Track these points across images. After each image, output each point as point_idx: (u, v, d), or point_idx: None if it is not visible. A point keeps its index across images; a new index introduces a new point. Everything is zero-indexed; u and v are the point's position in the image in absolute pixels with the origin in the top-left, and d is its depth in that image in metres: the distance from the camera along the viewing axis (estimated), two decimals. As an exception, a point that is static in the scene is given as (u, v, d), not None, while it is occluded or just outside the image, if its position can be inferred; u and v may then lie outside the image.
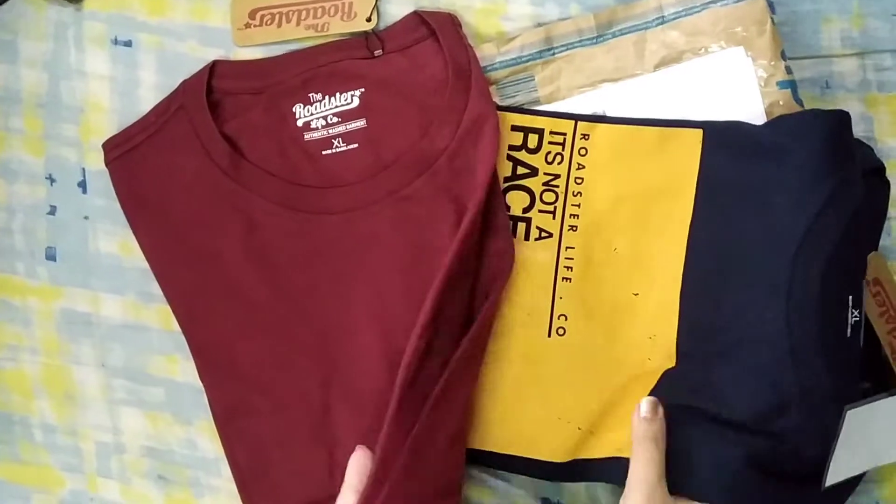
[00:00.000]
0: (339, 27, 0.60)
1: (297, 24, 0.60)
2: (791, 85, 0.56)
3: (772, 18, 0.56)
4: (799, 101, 0.56)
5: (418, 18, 0.59)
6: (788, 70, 0.56)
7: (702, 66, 0.57)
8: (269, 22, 0.60)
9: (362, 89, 0.59)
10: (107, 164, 0.60)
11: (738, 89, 0.56)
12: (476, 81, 0.57)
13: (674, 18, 0.57)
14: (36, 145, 0.63)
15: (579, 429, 0.56)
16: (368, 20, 0.59)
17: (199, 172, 0.58)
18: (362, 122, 0.59)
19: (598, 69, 0.58)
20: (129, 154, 0.59)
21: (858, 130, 0.58)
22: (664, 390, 0.54)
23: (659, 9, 0.58)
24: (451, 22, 0.58)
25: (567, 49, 0.59)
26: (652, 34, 0.58)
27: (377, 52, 0.59)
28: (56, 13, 0.63)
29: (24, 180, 0.63)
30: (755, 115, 0.56)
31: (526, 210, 0.58)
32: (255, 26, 0.61)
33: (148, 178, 0.59)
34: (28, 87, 0.63)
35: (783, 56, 0.56)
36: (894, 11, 0.59)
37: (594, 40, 0.58)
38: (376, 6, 0.60)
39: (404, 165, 0.58)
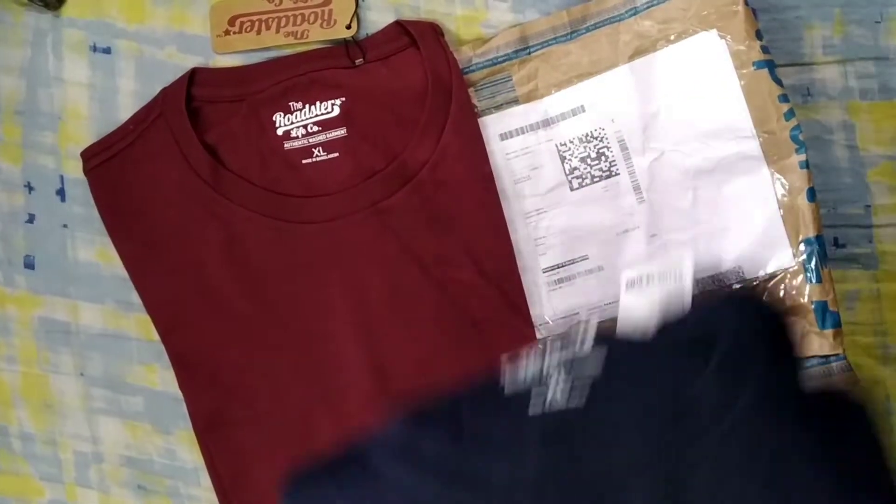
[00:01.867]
0: (318, 34, 0.59)
1: (277, 31, 0.60)
2: (768, 65, 0.55)
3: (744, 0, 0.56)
4: (777, 81, 0.55)
5: (400, 28, 0.58)
6: (765, 50, 0.55)
7: (676, 53, 0.56)
8: (248, 29, 0.60)
9: (343, 98, 0.58)
10: (86, 173, 0.59)
11: (714, 72, 0.56)
12: (457, 91, 0.57)
13: (646, 8, 0.57)
14: (14, 153, 0.63)
15: None
16: (348, 27, 0.59)
17: (178, 181, 0.58)
18: (343, 132, 0.58)
19: (574, 65, 0.58)
20: (108, 163, 0.59)
21: (840, 138, 0.58)
22: None
23: (631, 0, 0.57)
24: (432, 31, 0.58)
25: (542, 47, 0.58)
26: (625, 25, 0.57)
27: (358, 62, 0.58)
28: (34, 20, 0.62)
29: (3, 188, 0.63)
30: (732, 96, 0.55)
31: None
32: (234, 33, 0.60)
33: (127, 187, 0.59)
34: (6, 94, 0.62)
35: (759, 36, 0.55)
36: (877, 18, 0.59)
37: (568, 36, 0.58)
38: (356, 13, 0.59)
39: (386, 176, 0.57)
